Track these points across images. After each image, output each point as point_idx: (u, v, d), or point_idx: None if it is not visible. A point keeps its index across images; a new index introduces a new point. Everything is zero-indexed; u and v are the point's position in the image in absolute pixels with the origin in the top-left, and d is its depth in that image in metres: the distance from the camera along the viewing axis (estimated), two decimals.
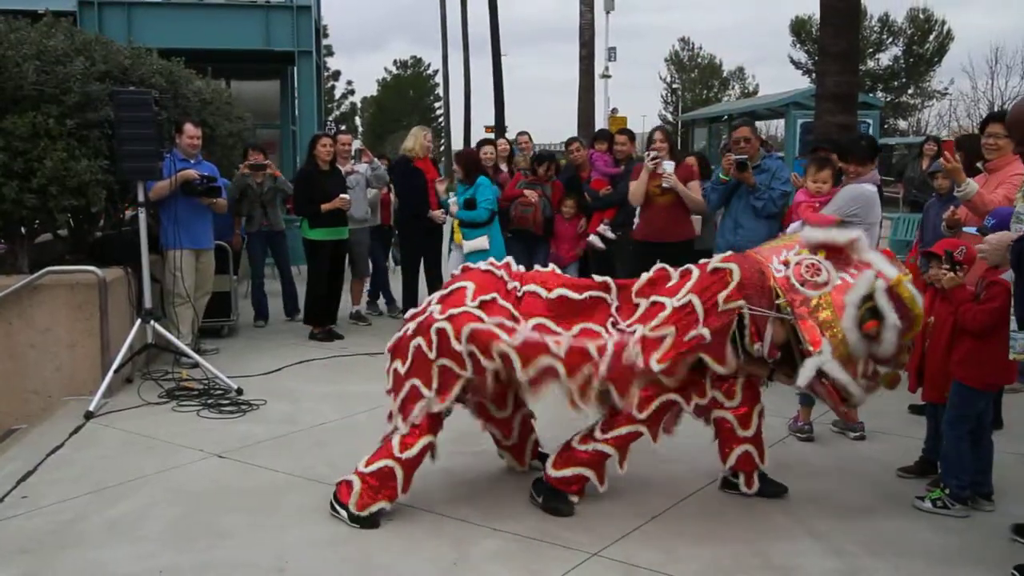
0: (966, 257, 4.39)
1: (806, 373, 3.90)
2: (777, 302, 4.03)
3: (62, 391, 6.28)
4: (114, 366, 6.23)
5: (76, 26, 10.20)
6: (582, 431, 4.31)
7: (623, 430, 4.18)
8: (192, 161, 7.27)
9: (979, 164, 5.72)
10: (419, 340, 4.15)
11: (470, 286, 4.25)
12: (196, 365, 6.74)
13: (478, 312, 4.10)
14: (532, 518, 4.23)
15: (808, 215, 5.56)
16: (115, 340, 6.40)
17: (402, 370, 4.24)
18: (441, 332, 4.07)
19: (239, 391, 6.40)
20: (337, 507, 4.20)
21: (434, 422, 4.20)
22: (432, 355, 4.10)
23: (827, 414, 5.62)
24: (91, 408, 5.88)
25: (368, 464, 4.19)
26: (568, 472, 4.26)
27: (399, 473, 4.14)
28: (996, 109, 35.37)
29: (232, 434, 5.56)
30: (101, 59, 6.84)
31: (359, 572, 3.73)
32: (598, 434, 4.20)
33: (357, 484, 4.15)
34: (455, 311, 4.11)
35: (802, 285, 4.01)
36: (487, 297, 4.18)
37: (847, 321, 3.91)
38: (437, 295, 4.36)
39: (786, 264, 4.12)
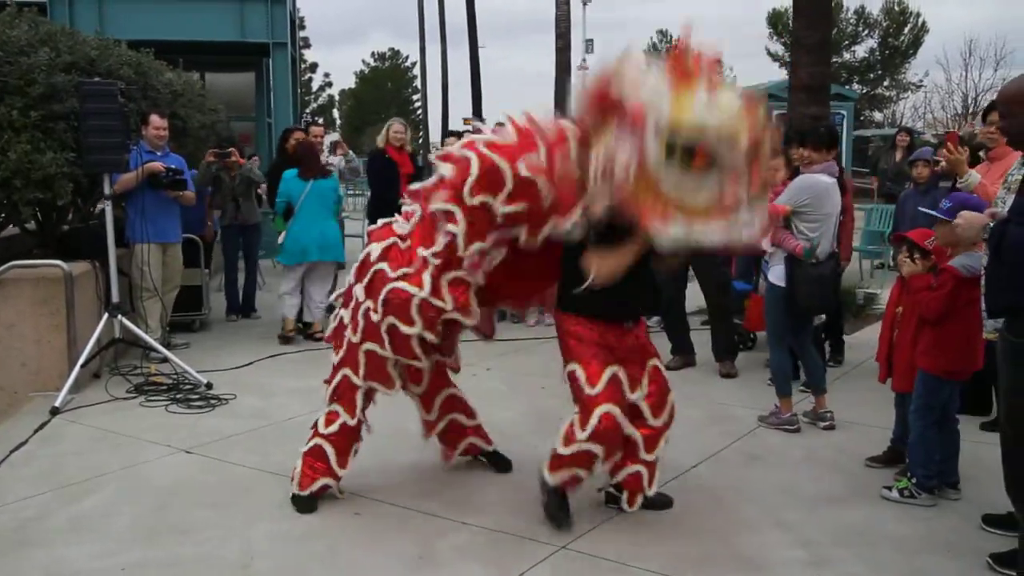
0: (935, 247, 4.41)
1: (667, 247, 3.47)
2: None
3: (28, 387, 6.19)
4: (81, 361, 6.15)
5: (46, 17, 10.06)
6: (563, 431, 3.95)
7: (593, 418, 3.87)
8: (159, 153, 7.18)
9: (981, 153, 5.73)
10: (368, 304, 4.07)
11: (373, 248, 4.20)
12: (165, 360, 6.67)
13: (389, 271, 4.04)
14: (500, 512, 4.22)
15: None
16: (82, 335, 6.32)
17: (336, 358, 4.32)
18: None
19: (208, 385, 6.34)
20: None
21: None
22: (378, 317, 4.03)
23: (798, 404, 5.64)
24: (57, 404, 5.80)
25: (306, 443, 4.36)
26: (564, 474, 3.97)
27: (330, 451, 4.24)
28: (971, 101, 35.76)
29: (201, 429, 5.51)
30: (67, 50, 6.74)
31: (325, 567, 3.70)
32: (579, 432, 3.86)
33: (299, 465, 4.29)
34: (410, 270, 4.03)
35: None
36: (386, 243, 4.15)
37: (668, 179, 3.35)
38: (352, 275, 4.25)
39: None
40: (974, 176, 4.99)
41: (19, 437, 5.32)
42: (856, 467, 4.84)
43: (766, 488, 4.55)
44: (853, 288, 8.90)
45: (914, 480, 4.36)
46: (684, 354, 7.03)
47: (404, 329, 3.92)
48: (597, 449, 3.85)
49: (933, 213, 4.31)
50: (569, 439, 3.88)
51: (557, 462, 3.95)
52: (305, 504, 4.22)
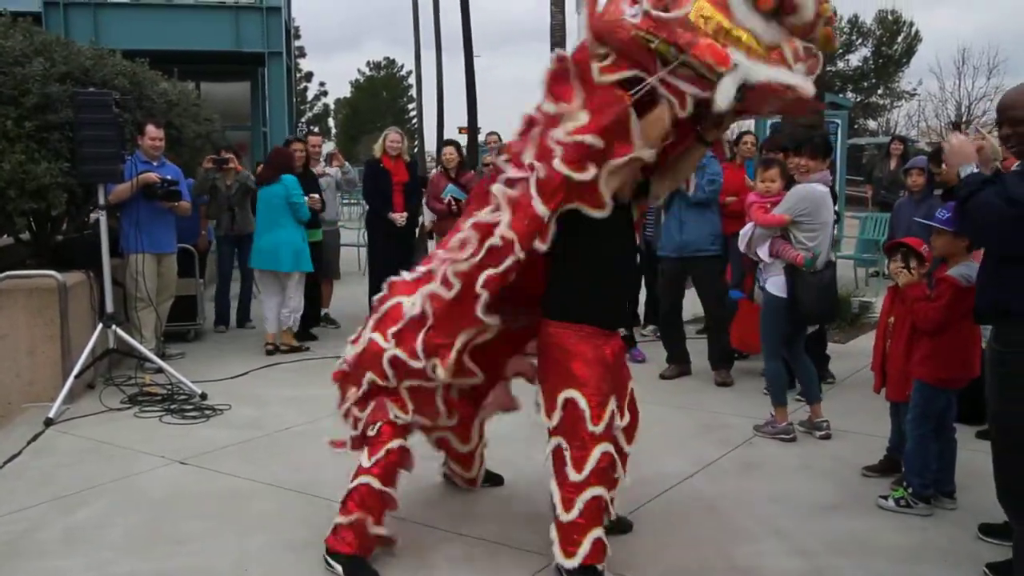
0: (928, 255, 4.43)
1: (725, 91, 3.00)
2: (652, 46, 3.08)
3: (21, 398, 6.17)
4: (75, 372, 6.13)
5: (40, 27, 10.08)
6: (555, 490, 3.50)
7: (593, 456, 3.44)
8: (155, 163, 7.17)
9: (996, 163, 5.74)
10: (371, 375, 3.76)
11: (405, 300, 3.76)
12: (159, 370, 6.65)
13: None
14: (496, 523, 4.20)
15: (759, 215, 5.57)
16: (76, 345, 6.30)
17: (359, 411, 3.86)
18: (395, 361, 3.66)
19: (203, 396, 6.32)
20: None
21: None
22: (392, 383, 3.72)
23: (793, 413, 5.64)
24: (51, 415, 5.78)
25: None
26: (584, 547, 3.44)
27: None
28: (964, 109, 35.87)
29: (195, 440, 5.49)
30: (61, 60, 6.74)
31: None
32: (574, 475, 3.43)
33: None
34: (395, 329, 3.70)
35: (666, 9, 3.05)
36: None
37: (739, 9, 3.06)
38: (372, 320, 3.88)
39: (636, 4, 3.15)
40: None
41: (12, 448, 5.30)
42: (852, 476, 4.83)
43: (762, 497, 4.54)
44: (848, 297, 8.91)
45: (910, 489, 4.35)
46: (680, 363, 7.03)
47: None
48: (601, 491, 3.44)
49: (930, 223, 4.32)
50: (567, 491, 3.42)
51: (568, 535, 3.43)
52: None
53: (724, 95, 2.99)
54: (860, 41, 41.63)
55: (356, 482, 3.71)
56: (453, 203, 8.53)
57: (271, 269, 7.85)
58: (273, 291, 7.94)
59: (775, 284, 5.48)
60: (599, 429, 3.40)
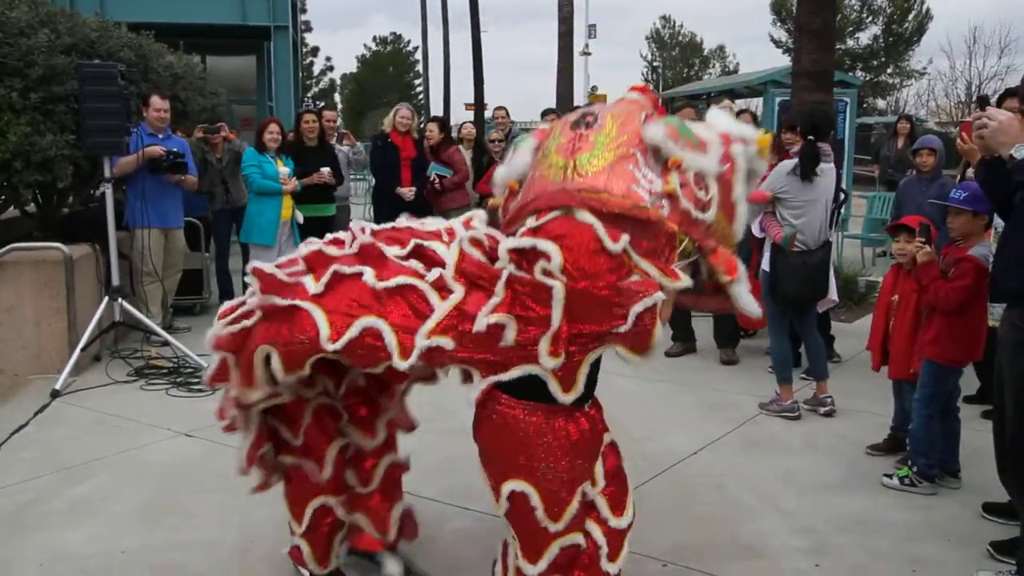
0: (933, 234, 4.40)
1: (743, 297, 2.76)
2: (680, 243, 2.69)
3: (28, 370, 6.19)
4: (81, 344, 6.15)
5: None
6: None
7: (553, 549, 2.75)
8: (160, 136, 7.14)
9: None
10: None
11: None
12: (165, 343, 6.66)
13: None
14: None
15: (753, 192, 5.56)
16: (82, 318, 6.32)
17: None
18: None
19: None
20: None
21: None
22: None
23: (799, 391, 5.64)
24: (57, 387, 5.80)
25: None
26: None
27: None
28: (975, 88, 35.59)
29: (201, 413, 5.48)
30: (67, 32, 6.70)
31: None
32: (529, 569, 2.78)
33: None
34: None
35: (702, 210, 2.69)
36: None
37: (740, 207, 2.83)
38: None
39: (657, 193, 2.61)
40: None
41: (19, 420, 5.33)
42: (856, 455, 4.84)
43: (767, 475, 4.55)
44: (854, 276, 8.89)
45: (915, 468, 4.35)
46: (685, 340, 7.03)
47: None
48: None
49: (948, 203, 4.29)
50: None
51: None
52: None
53: (744, 300, 2.78)
54: (870, 19, 41.27)
55: None
56: (437, 180, 8.52)
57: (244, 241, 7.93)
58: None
59: (766, 261, 5.49)
60: (559, 526, 2.70)
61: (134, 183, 7.00)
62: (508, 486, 2.69)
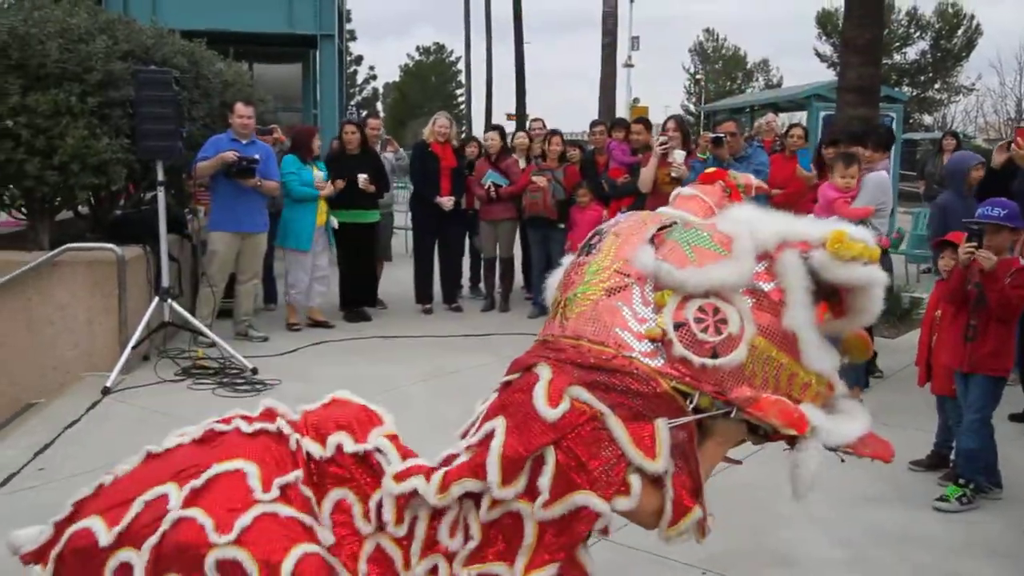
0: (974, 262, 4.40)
1: (811, 464, 2.28)
2: (691, 405, 2.15)
3: (80, 367, 6.36)
4: (131, 343, 6.30)
5: (100, 5, 10.28)
6: None
7: None
8: (243, 141, 7.24)
9: None
10: None
11: (249, 468, 2.25)
12: (212, 344, 6.80)
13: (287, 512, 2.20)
14: None
15: (844, 210, 5.57)
16: (133, 318, 6.47)
17: None
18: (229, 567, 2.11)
19: (254, 371, 6.45)
20: None
21: None
22: None
23: None
24: (108, 384, 5.95)
25: None
26: None
27: None
28: (1023, 105, 35.01)
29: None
30: (124, 38, 6.90)
31: None
32: None
33: None
34: (245, 520, 2.14)
35: (713, 357, 2.12)
36: (286, 479, 2.26)
37: (810, 347, 2.22)
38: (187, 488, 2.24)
39: (646, 337, 2.14)
40: None
41: (71, 415, 5.48)
42: (897, 470, 4.79)
43: None
44: (899, 292, 8.81)
45: (971, 486, 4.31)
46: None
47: None
48: None
49: (989, 222, 4.26)
50: None
51: None
52: None
53: (810, 469, 2.30)
54: (918, 34, 40.81)
55: None
56: (493, 189, 8.60)
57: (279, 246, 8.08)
58: (297, 268, 8.02)
59: None
60: None
61: (214, 187, 7.18)
62: None
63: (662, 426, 2.10)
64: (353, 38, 47.39)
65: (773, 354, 2.16)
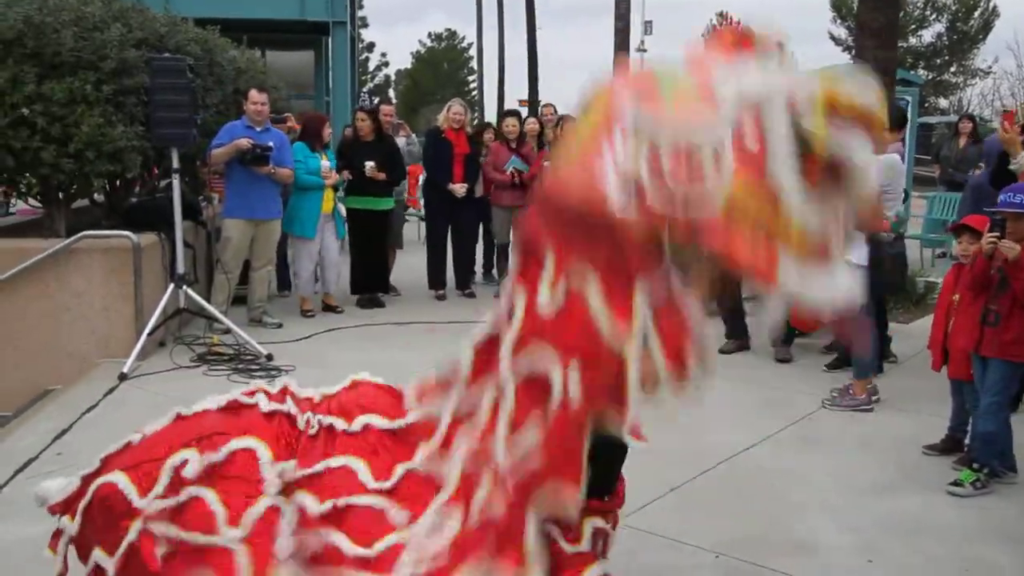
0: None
1: (772, 318, 2.14)
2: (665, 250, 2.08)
3: (96, 353, 6.41)
4: (147, 330, 6.35)
5: None
6: None
7: None
8: (258, 128, 7.25)
9: None
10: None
11: (262, 451, 2.29)
12: (227, 331, 6.84)
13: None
14: None
15: None
16: (148, 304, 6.52)
17: None
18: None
19: (269, 357, 6.49)
20: None
21: None
22: None
23: (820, 385, 5.61)
24: (125, 370, 6.00)
25: None
26: None
27: None
28: None
29: None
30: (138, 26, 6.92)
31: None
32: None
33: None
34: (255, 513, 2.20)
35: (687, 205, 2.01)
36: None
37: (793, 195, 2.02)
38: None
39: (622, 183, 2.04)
40: None
41: (89, 401, 5.53)
42: (912, 455, 4.80)
43: (820, 473, 4.55)
44: (914, 277, 8.77)
45: (986, 470, 4.29)
46: (738, 338, 7.01)
47: None
48: None
49: (1013, 210, 4.22)
50: None
51: None
52: None
53: (772, 323, 2.17)
54: (934, 17, 40.40)
55: None
56: (516, 175, 8.60)
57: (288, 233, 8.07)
58: (303, 255, 8.05)
59: (859, 256, 5.47)
60: (580, 546, 2.35)
61: (228, 174, 7.22)
62: None
63: (640, 299, 2.05)
64: (365, 25, 47.34)
65: (751, 204, 2.01)
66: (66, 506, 2.42)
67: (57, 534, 2.43)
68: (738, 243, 1.99)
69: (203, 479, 2.23)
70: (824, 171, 2.06)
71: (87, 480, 2.39)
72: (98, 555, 2.29)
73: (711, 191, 1.98)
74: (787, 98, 2.03)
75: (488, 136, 9.40)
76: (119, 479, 2.28)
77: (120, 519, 2.24)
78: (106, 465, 2.39)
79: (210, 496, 2.20)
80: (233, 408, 2.44)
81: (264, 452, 2.29)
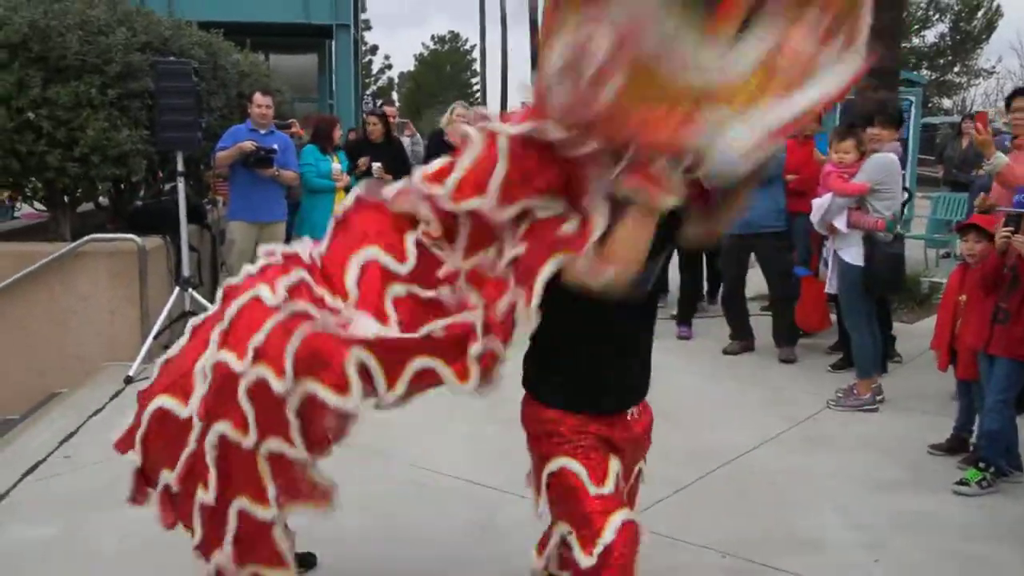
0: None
1: (717, 162, 2.06)
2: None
3: (103, 356, 6.43)
4: (153, 333, 6.36)
5: None
6: None
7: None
8: (262, 131, 7.27)
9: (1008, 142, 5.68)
10: (219, 428, 2.43)
11: (262, 291, 2.48)
12: None
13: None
14: None
15: (838, 185, 5.53)
16: (154, 307, 6.54)
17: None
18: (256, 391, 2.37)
19: None
20: None
21: None
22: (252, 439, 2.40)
23: (824, 385, 5.62)
24: (131, 373, 6.01)
25: None
26: None
27: None
28: None
29: None
30: (142, 30, 6.96)
31: (387, 534, 3.82)
32: (583, 559, 2.36)
33: None
34: (259, 339, 2.38)
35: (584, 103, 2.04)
36: (290, 280, 2.45)
37: (680, 52, 1.94)
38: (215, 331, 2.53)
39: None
40: (1001, 158, 4.94)
41: (96, 404, 5.55)
42: (917, 454, 4.80)
43: (825, 472, 4.55)
44: (918, 277, 8.77)
45: (992, 469, 4.30)
46: (743, 339, 7.01)
47: None
48: None
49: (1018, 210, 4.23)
50: None
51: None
52: None
53: (719, 166, 2.07)
54: (937, 17, 40.41)
55: None
56: None
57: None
58: None
59: (852, 255, 5.48)
60: (605, 490, 2.41)
61: (232, 176, 7.25)
62: (551, 464, 2.51)
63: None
64: (368, 28, 47.38)
65: (651, 77, 1.94)
66: (127, 442, 2.66)
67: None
68: (649, 121, 1.97)
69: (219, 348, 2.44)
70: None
71: (138, 415, 2.60)
72: (165, 476, 2.53)
73: (596, 83, 1.95)
74: None
75: None
76: (164, 401, 2.49)
77: (175, 434, 2.43)
78: (148, 395, 2.61)
79: (222, 353, 2.41)
80: (229, 294, 2.58)
81: (264, 289, 2.44)
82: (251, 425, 2.36)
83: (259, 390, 2.33)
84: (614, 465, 2.47)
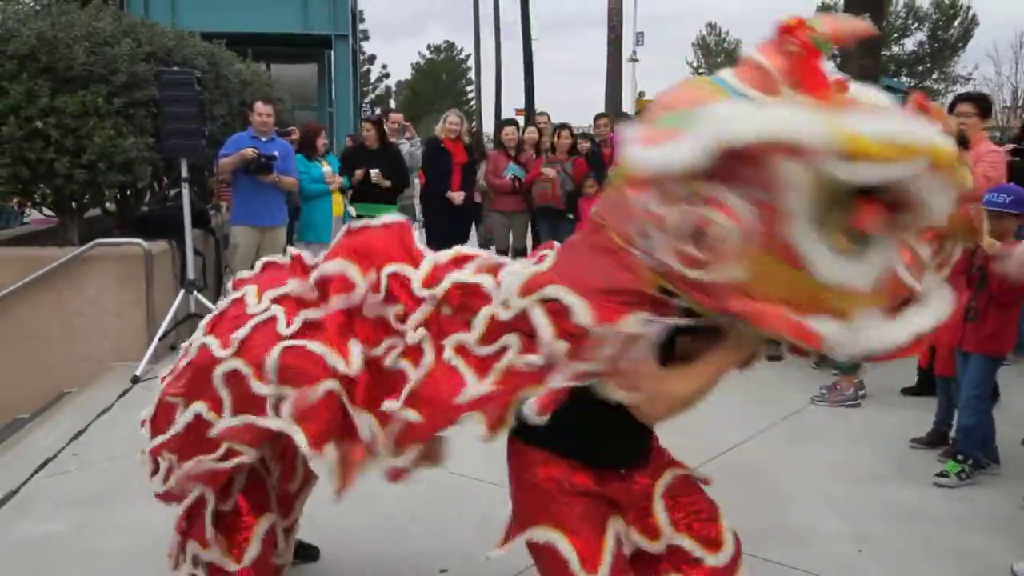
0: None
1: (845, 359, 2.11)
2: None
3: (110, 357, 6.58)
4: (159, 334, 6.51)
5: (123, 9, 10.52)
6: None
7: None
8: (263, 139, 7.39)
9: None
10: (198, 406, 2.67)
11: (249, 289, 2.77)
12: None
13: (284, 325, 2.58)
14: None
15: None
16: (160, 309, 6.69)
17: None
18: (233, 376, 2.57)
19: None
20: None
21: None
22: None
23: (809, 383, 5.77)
24: (137, 373, 6.15)
25: None
26: None
27: None
28: (1021, 94, 34.84)
29: None
30: (147, 41, 7.12)
31: (386, 527, 3.91)
32: None
33: None
34: (242, 333, 2.61)
35: (706, 270, 1.97)
36: (278, 292, 2.68)
37: (821, 260, 1.90)
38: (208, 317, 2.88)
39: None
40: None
41: (103, 403, 5.69)
42: (899, 447, 4.92)
43: (811, 465, 4.68)
44: None
45: (970, 462, 4.44)
46: None
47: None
48: None
49: (995, 208, 4.37)
50: None
51: None
52: None
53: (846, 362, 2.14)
54: (916, 25, 40.80)
55: None
56: (515, 181, 8.82)
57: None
58: None
59: None
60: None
61: (235, 182, 7.40)
62: (532, 533, 2.35)
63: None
64: (366, 38, 47.58)
65: (775, 267, 1.91)
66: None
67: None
68: (767, 312, 1.93)
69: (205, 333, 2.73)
70: (881, 210, 1.90)
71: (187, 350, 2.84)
72: (197, 407, 2.68)
73: (725, 260, 1.91)
74: (795, 145, 1.81)
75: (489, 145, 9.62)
76: (207, 339, 2.69)
77: (208, 369, 2.62)
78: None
79: (207, 338, 2.69)
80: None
81: (251, 289, 2.79)
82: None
83: (234, 378, 2.59)
84: (610, 538, 2.31)
